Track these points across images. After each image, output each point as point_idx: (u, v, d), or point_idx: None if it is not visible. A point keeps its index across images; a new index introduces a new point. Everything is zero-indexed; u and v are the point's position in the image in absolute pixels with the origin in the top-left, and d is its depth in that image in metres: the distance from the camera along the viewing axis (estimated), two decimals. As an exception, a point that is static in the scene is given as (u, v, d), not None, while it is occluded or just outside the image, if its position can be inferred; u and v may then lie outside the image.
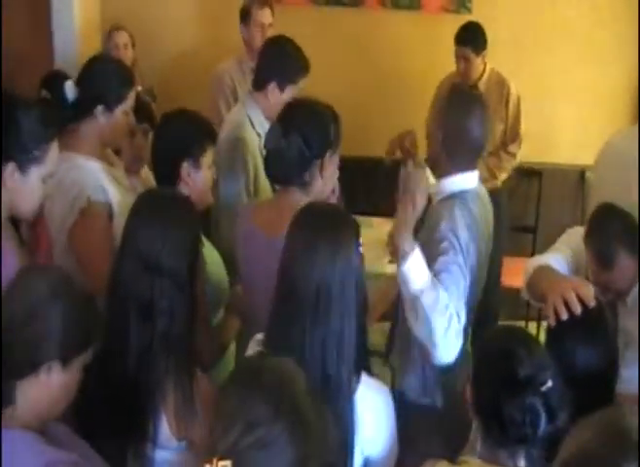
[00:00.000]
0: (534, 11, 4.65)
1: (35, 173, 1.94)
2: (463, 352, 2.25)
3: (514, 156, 4.31)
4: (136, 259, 1.87)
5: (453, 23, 4.24)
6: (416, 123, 4.37)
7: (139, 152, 2.88)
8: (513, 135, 4.32)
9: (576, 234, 2.34)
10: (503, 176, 4.30)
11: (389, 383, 3.95)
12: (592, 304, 1.90)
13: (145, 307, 1.84)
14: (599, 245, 2.14)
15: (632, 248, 2.11)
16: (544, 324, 2.42)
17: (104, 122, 2.41)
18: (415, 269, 2.12)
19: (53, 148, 1.98)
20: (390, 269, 2.87)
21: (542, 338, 2.01)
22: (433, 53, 4.49)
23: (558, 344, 1.88)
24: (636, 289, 2.18)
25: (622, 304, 2.20)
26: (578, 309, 1.88)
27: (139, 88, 2.54)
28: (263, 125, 3.02)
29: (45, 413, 1.56)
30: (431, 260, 2.19)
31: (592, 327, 1.91)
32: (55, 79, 2.60)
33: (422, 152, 4.39)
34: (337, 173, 2.33)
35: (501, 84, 4.26)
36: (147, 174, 2.89)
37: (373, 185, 3.77)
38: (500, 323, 3.65)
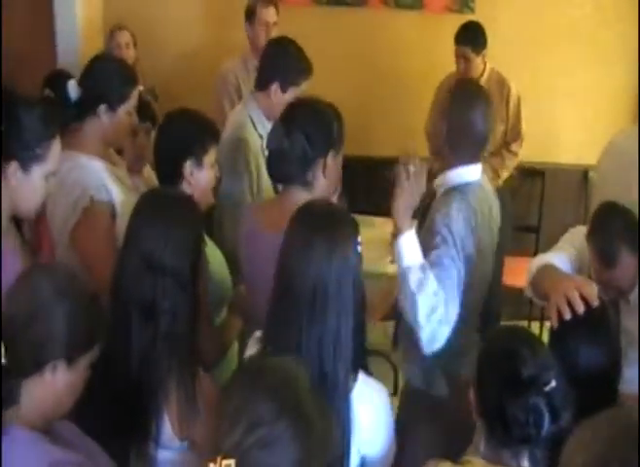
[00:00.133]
0: (537, 11, 4.64)
1: (37, 171, 1.94)
2: (466, 343, 2.30)
3: (516, 155, 4.33)
4: (139, 258, 1.87)
5: (456, 23, 4.23)
6: (418, 122, 4.40)
7: (141, 151, 2.88)
8: (514, 135, 4.33)
9: (579, 234, 2.33)
10: (504, 175, 4.30)
11: (391, 382, 4.00)
12: (596, 303, 1.90)
13: (148, 307, 1.84)
14: (602, 243, 2.14)
15: (634, 246, 2.10)
16: (547, 324, 2.42)
17: (107, 121, 2.41)
18: (408, 245, 2.20)
19: (56, 146, 1.97)
20: (392, 268, 2.86)
21: (545, 337, 2.01)
22: (436, 53, 4.49)
23: (561, 344, 1.87)
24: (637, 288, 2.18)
25: (624, 302, 2.19)
26: (581, 309, 1.88)
27: (141, 87, 2.54)
28: (264, 126, 3.02)
29: (50, 412, 1.55)
30: (427, 251, 2.25)
31: (595, 326, 1.90)
32: (58, 78, 2.60)
33: (422, 151, 4.42)
34: (340, 173, 2.33)
35: (501, 83, 4.26)
36: (149, 173, 2.89)
37: (375, 184, 3.74)
38: (503, 323, 3.65)
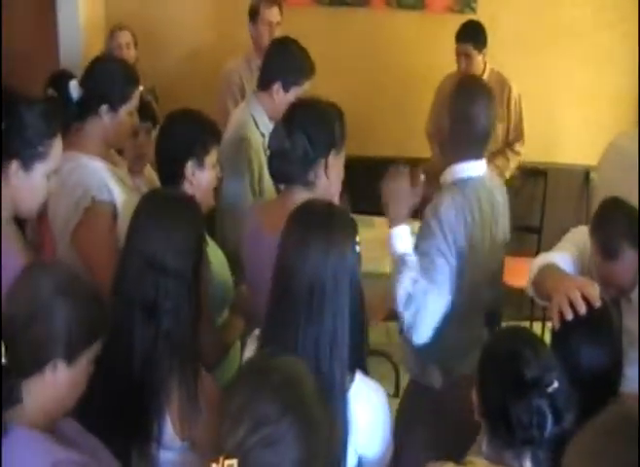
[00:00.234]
0: (539, 11, 4.64)
1: (39, 170, 1.94)
2: (466, 342, 2.34)
3: (519, 155, 4.34)
4: (141, 259, 1.87)
5: (457, 23, 4.23)
6: (420, 122, 4.41)
7: (142, 151, 2.88)
8: (517, 135, 4.34)
9: (581, 233, 2.33)
10: (507, 175, 4.31)
11: (392, 383, 3.99)
12: (598, 303, 1.90)
13: (149, 307, 1.84)
14: (604, 235, 2.13)
15: (636, 241, 2.10)
16: (548, 324, 2.42)
17: (108, 121, 2.41)
18: (398, 236, 2.33)
19: (57, 144, 1.97)
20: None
21: (547, 338, 2.01)
22: (437, 53, 4.48)
23: (563, 345, 1.87)
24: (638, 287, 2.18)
25: (626, 302, 2.19)
26: (583, 309, 1.87)
27: (141, 87, 2.54)
28: (266, 126, 3.02)
29: (53, 410, 1.55)
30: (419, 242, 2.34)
31: (597, 327, 1.90)
32: (61, 78, 2.60)
33: (424, 152, 4.42)
34: (342, 172, 2.33)
35: (502, 83, 4.26)
36: (150, 174, 2.89)
37: (376, 185, 3.75)
38: (505, 324, 3.64)
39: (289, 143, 2.19)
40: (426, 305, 2.25)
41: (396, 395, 3.83)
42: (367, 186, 4.02)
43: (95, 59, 2.58)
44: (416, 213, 2.45)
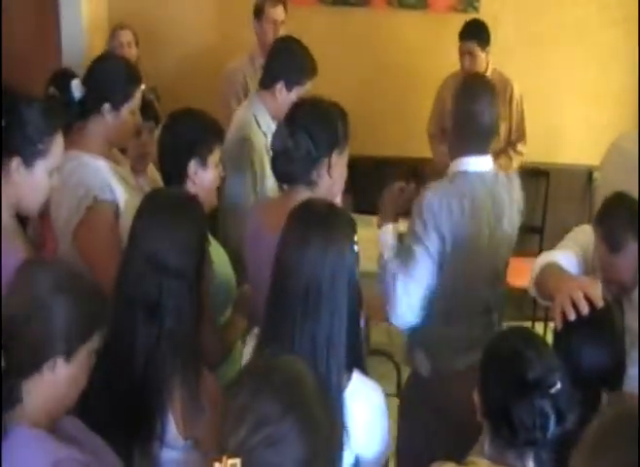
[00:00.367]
0: (541, 10, 4.64)
1: (40, 167, 1.94)
2: (456, 335, 2.44)
3: (522, 154, 4.33)
4: (143, 258, 1.87)
5: (460, 23, 4.23)
6: (422, 122, 4.40)
7: (145, 150, 2.88)
8: (519, 135, 4.33)
9: (584, 232, 2.34)
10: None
11: (394, 382, 3.99)
12: (600, 304, 1.89)
13: (152, 307, 1.84)
14: (609, 226, 2.13)
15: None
16: (550, 325, 2.43)
17: (110, 120, 2.41)
18: (383, 238, 2.52)
19: (58, 141, 1.97)
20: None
21: (549, 338, 2.00)
22: (440, 53, 4.48)
23: (566, 345, 1.87)
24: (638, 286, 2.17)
25: (627, 301, 2.18)
26: (585, 310, 1.87)
27: (143, 86, 2.54)
28: (269, 125, 3.03)
29: (54, 409, 1.55)
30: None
31: (600, 328, 1.89)
32: (63, 77, 2.60)
33: (426, 152, 4.41)
34: (345, 172, 2.33)
35: (504, 83, 4.25)
36: (153, 173, 2.89)
37: (378, 184, 3.74)
38: (507, 324, 3.64)
39: (292, 143, 2.19)
40: (395, 289, 2.36)
41: (397, 395, 3.83)
42: (368, 185, 4.04)
43: (97, 58, 2.58)
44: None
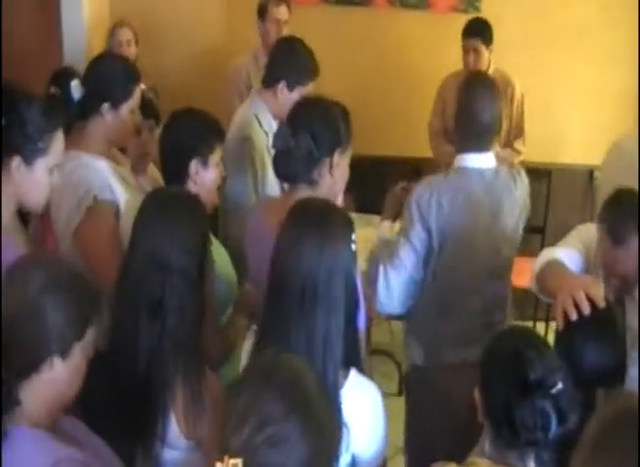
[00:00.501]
0: (543, 10, 4.64)
1: (41, 165, 1.93)
2: (449, 327, 2.52)
3: (520, 153, 4.31)
4: (145, 257, 1.87)
5: (462, 23, 4.22)
6: (424, 122, 4.40)
7: (145, 149, 2.88)
8: (517, 132, 4.31)
9: (586, 230, 2.34)
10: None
11: (395, 381, 3.99)
12: (602, 304, 1.89)
13: (154, 306, 1.84)
14: (613, 219, 2.12)
15: None
16: (552, 325, 2.43)
17: (110, 119, 2.41)
18: (379, 232, 2.65)
19: (58, 138, 1.97)
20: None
21: (550, 338, 2.00)
22: (441, 52, 4.48)
23: (567, 345, 1.86)
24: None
25: (629, 300, 2.18)
26: (587, 309, 1.87)
27: (143, 86, 2.54)
28: (270, 124, 3.03)
29: (55, 407, 1.54)
30: None
31: (602, 328, 1.89)
32: (64, 76, 2.60)
33: (428, 152, 4.41)
34: (348, 172, 2.33)
35: (505, 83, 4.24)
36: (154, 173, 2.88)
37: (379, 184, 3.75)
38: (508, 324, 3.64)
39: (293, 142, 2.18)
40: (377, 279, 2.47)
41: (399, 394, 3.83)
42: (368, 185, 4.04)
43: (96, 58, 2.57)
44: None
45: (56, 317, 1.48)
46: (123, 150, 2.71)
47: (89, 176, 2.34)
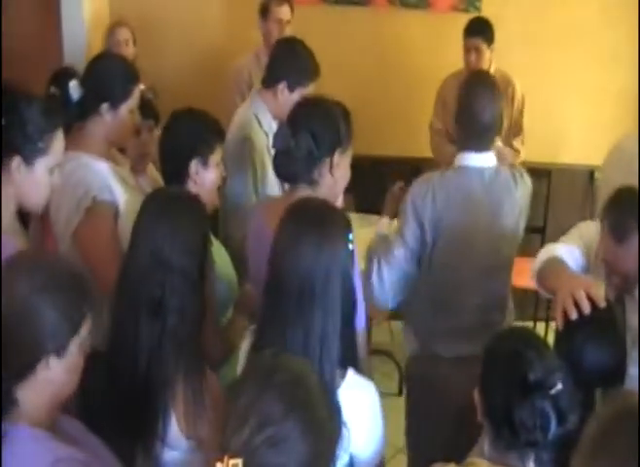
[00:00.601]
0: (543, 10, 4.64)
1: (41, 165, 1.93)
2: (445, 323, 2.55)
3: (518, 152, 4.30)
4: (147, 257, 1.87)
5: (462, 22, 4.22)
6: (424, 121, 4.40)
7: (144, 149, 2.88)
8: (516, 130, 4.31)
9: (588, 228, 2.34)
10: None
11: (396, 381, 3.99)
12: (602, 304, 1.89)
13: (155, 305, 1.84)
14: (616, 216, 2.11)
15: None
16: (552, 325, 2.43)
17: (110, 120, 2.40)
18: (377, 229, 2.70)
19: (58, 138, 1.96)
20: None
21: (550, 338, 2.00)
22: (441, 52, 4.48)
23: (567, 345, 1.86)
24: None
25: (630, 299, 2.18)
26: (587, 309, 1.87)
27: (142, 86, 2.53)
28: (270, 124, 3.02)
29: (54, 405, 1.54)
30: None
31: (601, 327, 1.89)
32: (64, 76, 2.60)
33: (428, 151, 4.40)
34: (349, 172, 2.33)
35: (506, 82, 4.24)
36: (152, 172, 2.88)
37: (376, 184, 3.75)
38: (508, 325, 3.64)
39: (293, 142, 2.18)
40: (371, 273, 2.53)
41: (399, 394, 3.83)
42: (368, 185, 4.04)
43: (95, 58, 2.56)
44: None
45: (50, 316, 1.47)
46: (122, 150, 2.70)
47: (89, 177, 2.34)
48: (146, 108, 2.77)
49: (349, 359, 1.82)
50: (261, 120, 3.08)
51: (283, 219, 1.85)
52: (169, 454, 1.84)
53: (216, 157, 2.37)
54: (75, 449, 1.51)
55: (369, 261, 2.58)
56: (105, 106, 2.38)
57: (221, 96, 3.97)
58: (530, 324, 4.46)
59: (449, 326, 2.57)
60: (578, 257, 2.27)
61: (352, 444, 1.76)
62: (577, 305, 1.88)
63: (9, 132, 1.87)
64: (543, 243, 4.59)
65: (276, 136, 2.27)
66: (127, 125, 2.48)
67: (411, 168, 4.38)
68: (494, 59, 4.25)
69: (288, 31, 3.93)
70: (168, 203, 1.99)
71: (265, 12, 4.03)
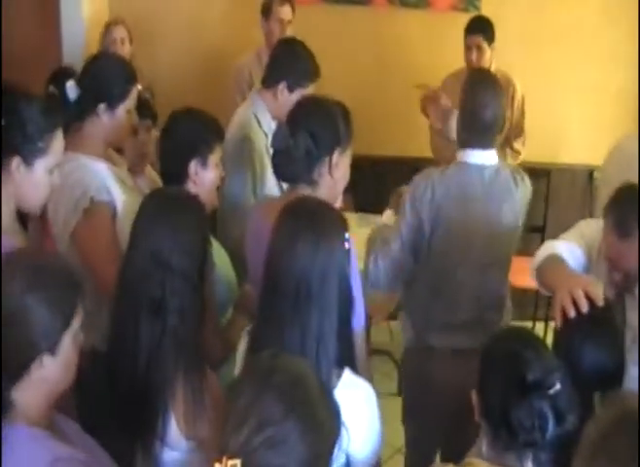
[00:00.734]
0: (543, 9, 4.64)
1: (40, 165, 1.93)
2: (442, 314, 2.59)
3: (519, 153, 4.30)
4: (147, 257, 1.87)
5: (462, 22, 4.22)
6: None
7: (142, 149, 2.87)
8: (517, 131, 4.31)
9: (588, 225, 2.34)
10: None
11: (395, 381, 3.98)
12: (601, 303, 1.89)
13: (155, 306, 1.84)
14: (619, 212, 2.11)
15: None
16: (551, 324, 2.43)
17: (107, 120, 2.40)
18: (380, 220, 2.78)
19: (58, 138, 1.96)
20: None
21: (549, 338, 2.00)
22: (441, 51, 4.48)
23: (565, 344, 1.86)
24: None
25: (630, 297, 2.17)
26: (585, 307, 1.87)
27: (139, 86, 2.53)
28: (269, 124, 3.02)
29: (50, 403, 1.54)
30: None
31: (600, 326, 1.89)
32: (63, 76, 2.60)
33: (428, 151, 4.40)
34: (348, 172, 2.33)
35: (506, 82, 4.23)
36: (150, 173, 2.87)
37: (376, 184, 3.77)
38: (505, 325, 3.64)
39: (292, 142, 2.18)
40: (369, 263, 2.58)
41: (398, 394, 3.83)
42: (368, 185, 4.04)
43: (92, 58, 2.55)
44: None
45: (41, 314, 1.47)
46: (119, 150, 2.70)
47: (87, 178, 2.33)
48: (143, 108, 2.76)
49: (346, 359, 1.82)
50: (260, 119, 3.08)
51: (279, 219, 1.85)
52: (169, 454, 1.84)
53: (215, 157, 2.37)
54: (72, 448, 1.51)
55: (368, 246, 2.65)
56: (102, 106, 2.38)
57: (220, 96, 3.97)
58: (529, 324, 4.46)
59: (444, 318, 2.61)
60: (578, 254, 2.27)
61: (348, 443, 1.76)
62: (575, 304, 1.88)
63: (8, 132, 1.87)
64: (542, 242, 4.59)
65: (275, 136, 2.27)
66: (125, 125, 2.47)
67: (411, 168, 4.37)
68: (497, 59, 4.24)
69: (289, 31, 3.95)
70: (167, 204, 1.99)
71: (267, 11, 4.05)
